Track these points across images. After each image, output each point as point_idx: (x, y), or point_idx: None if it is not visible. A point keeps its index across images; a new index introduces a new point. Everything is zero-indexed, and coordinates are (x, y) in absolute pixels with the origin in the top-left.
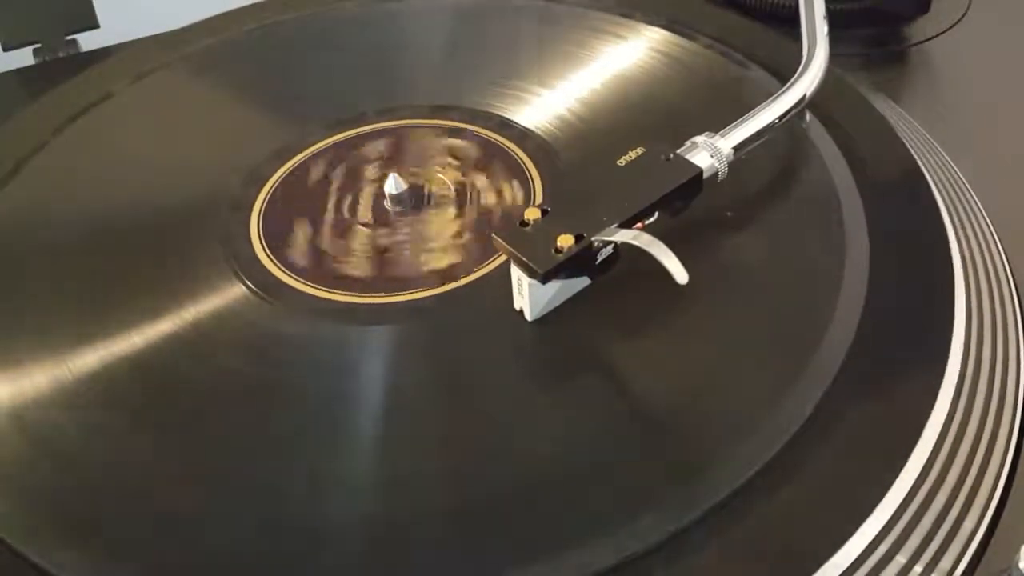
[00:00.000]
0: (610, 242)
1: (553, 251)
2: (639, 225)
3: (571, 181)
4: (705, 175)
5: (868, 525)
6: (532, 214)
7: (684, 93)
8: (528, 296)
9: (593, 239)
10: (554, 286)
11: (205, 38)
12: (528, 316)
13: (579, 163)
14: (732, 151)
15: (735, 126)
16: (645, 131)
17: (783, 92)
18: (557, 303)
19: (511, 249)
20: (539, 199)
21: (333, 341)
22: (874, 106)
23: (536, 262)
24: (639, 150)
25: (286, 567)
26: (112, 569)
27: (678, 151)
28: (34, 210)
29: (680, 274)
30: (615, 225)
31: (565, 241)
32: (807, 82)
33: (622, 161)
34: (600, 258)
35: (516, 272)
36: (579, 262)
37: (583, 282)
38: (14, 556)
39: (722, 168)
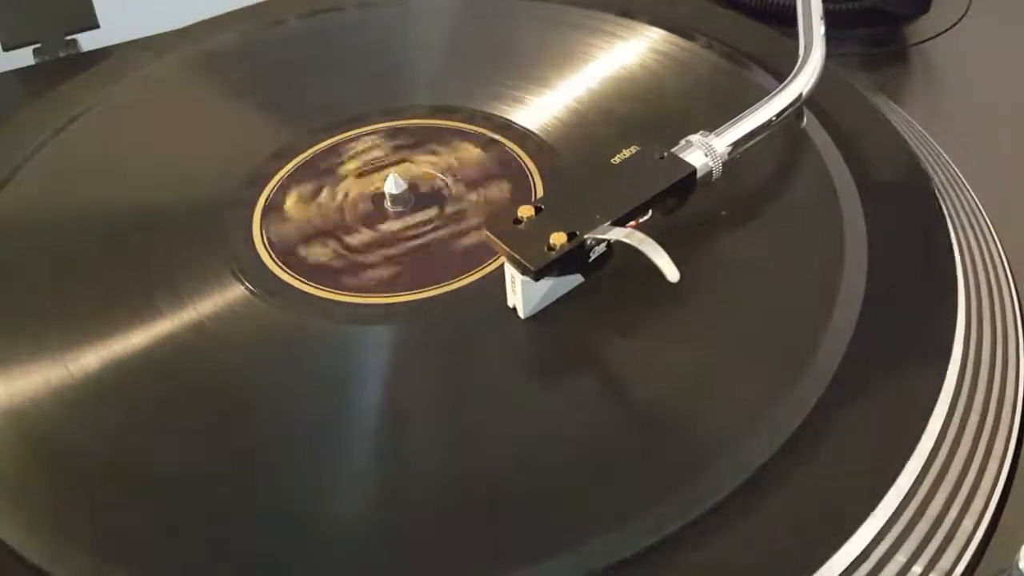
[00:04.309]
0: (603, 240)
1: (546, 248)
2: (633, 223)
3: (565, 179)
4: (699, 174)
5: (868, 525)
6: (525, 212)
7: (684, 93)
8: (521, 293)
9: (586, 237)
10: (547, 284)
11: (205, 38)
12: (521, 314)
13: (575, 161)
14: (726, 150)
15: (730, 125)
16: (645, 131)
17: (779, 91)
18: (550, 301)
19: (504, 247)
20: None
21: (333, 341)
22: (874, 106)
23: (529, 259)
24: (633, 148)
25: (286, 567)
26: (112, 569)
27: (672, 149)
28: (34, 210)
29: (672, 272)
30: (608, 223)
31: (558, 239)
32: (803, 81)
33: (616, 159)
34: (593, 256)
35: (509, 269)
36: (572, 260)
37: (576, 280)
38: (14, 556)
39: (716, 167)
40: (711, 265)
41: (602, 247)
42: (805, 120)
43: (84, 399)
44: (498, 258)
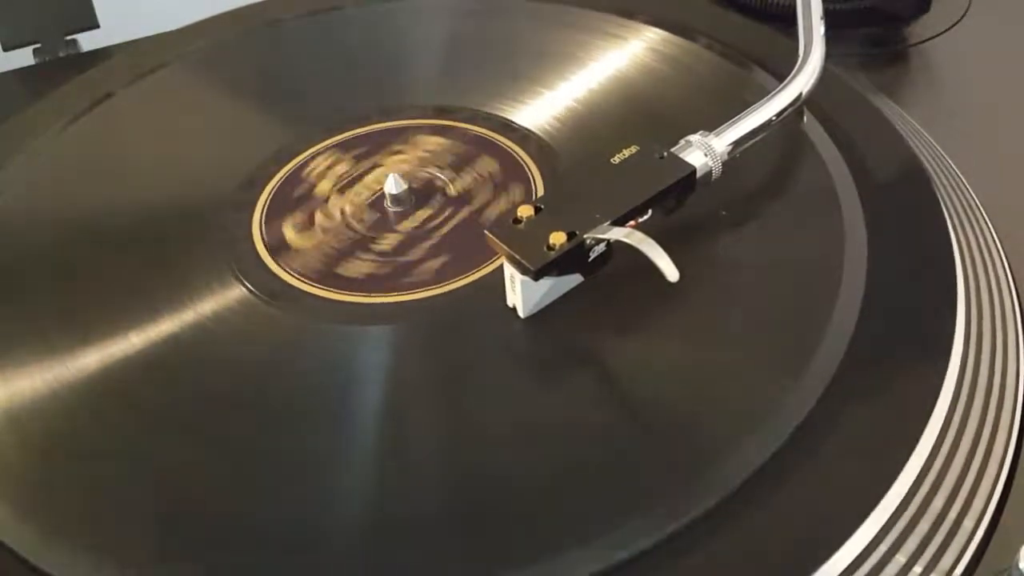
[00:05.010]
0: (602, 240)
1: (545, 248)
2: (632, 223)
3: (565, 179)
4: (699, 174)
5: (868, 525)
6: (525, 211)
7: (684, 93)
8: (521, 293)
9: (585, 237)
10: (546, 283)
11: (205, 38)
12: (521, 313)
13: (576, 162)
14: (726, 150)
15: (729, 125)
16: (646, 131)
17: (778, 91)
18: (550, 300)
19: (504, 246)
20: None
21: (333, 341)
22: (874, 106)
23: (528, 259)
24: (633, 148)
25: (286, 567)
26: (112, 569)
27: (672, 149)
28: (34, 210)
29: (671, 272)
30: (608, 223)
31: (557, 238)
32: (802, 81)
33: (616, 159)
34: (592, 256)
35: (509, 269)
36: (571, 259)
37: (576, 280)
38: (13, 557)
39: (716, 167)
40: (711, 265)
41: (601, 247)
42: (805, 120)
43: (84, 399)
44: (498, 258)
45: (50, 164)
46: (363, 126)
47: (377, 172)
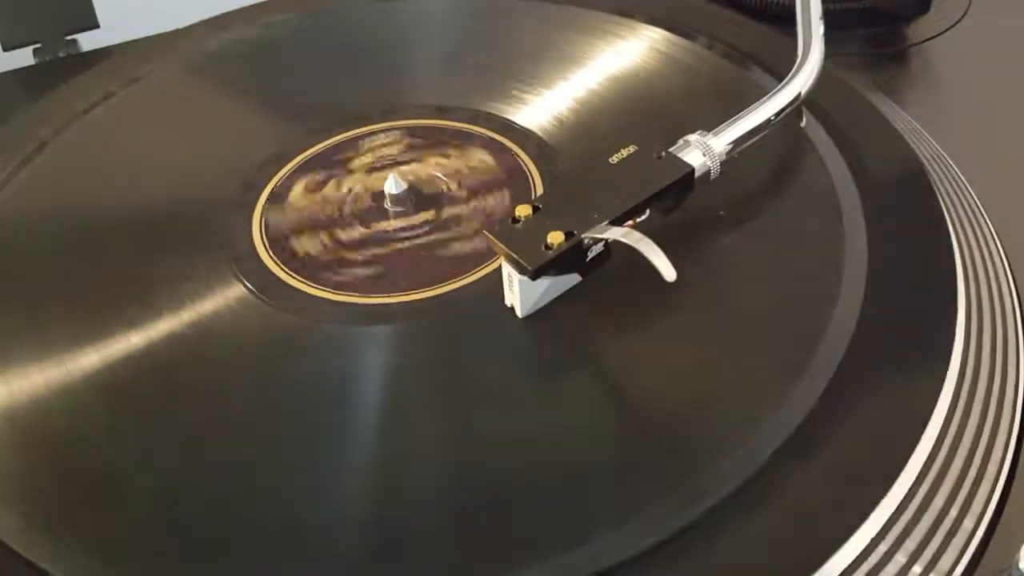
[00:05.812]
0: (600, 239)
1: (543, 248)
2: (631, 223)
3: (563, 178)
4: (697, 173)
5: (868, 525)
6: (523, 211)
7: (684, 93)
8: (519, 292)
9: (583, 236)
10: (544, 283)
11: (205, 38)
12: (519, 313)
13: (575, 161)
14: (725, 150)
15: (728, 125)
16: (646, 130)
17: (777, 91)
18: (548, 300)
19: (502, 246)
20: None
21: (333, 341)
22: (874, 105)
23: (526, 259)
24: (631, 148)
25: (286, 567)
26: (112, 570)
27: (670, 149)
28: (34, 210)
29: (668, 272)
30: (606, 223)
31: (555, 238)
32: (801, 81)
33: (614, 159)
34: (590, 255)
35: (507, 268)
36: (569, 259)
37: (574, 279)
38: (12, 557)
39: (714, 167)
40: (709, 265)
41: (599, 246)
42: (804, 120)
43: (84, 399)
44: (497, 258)
45: (50, 164)
46: (363, 126)
47: (378, 173)
